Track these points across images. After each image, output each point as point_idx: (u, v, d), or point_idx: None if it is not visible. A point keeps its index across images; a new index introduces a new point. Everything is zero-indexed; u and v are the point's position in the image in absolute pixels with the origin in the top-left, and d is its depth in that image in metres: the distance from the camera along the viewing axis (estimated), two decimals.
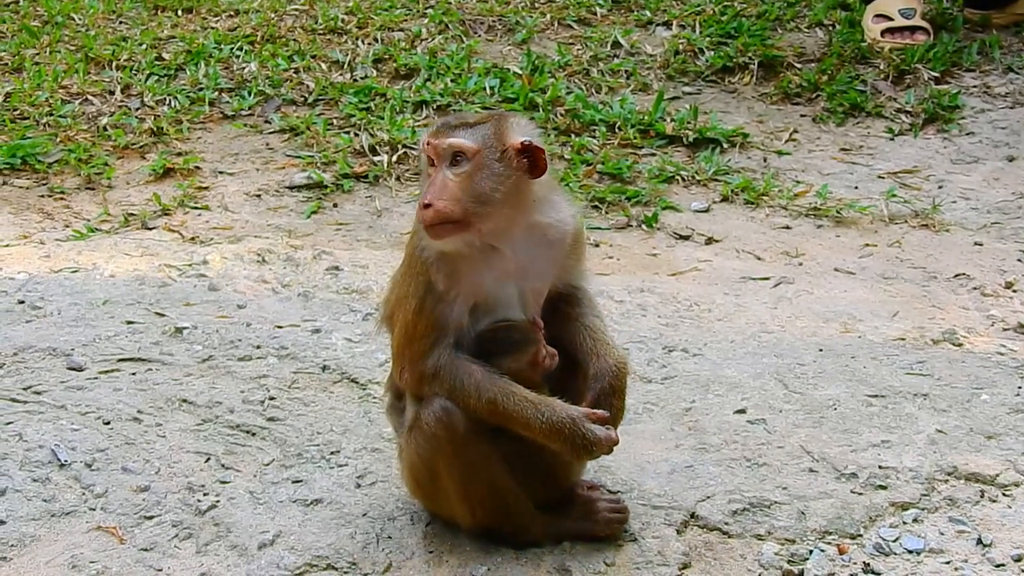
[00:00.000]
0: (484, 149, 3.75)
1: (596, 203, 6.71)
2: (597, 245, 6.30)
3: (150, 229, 6.51)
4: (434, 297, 3.77)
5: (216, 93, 7.85)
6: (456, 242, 3.75)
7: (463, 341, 3.79)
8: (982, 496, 4.32)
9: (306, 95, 7.82)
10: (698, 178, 6.99)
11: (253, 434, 4.63)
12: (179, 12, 9.06)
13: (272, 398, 4.85)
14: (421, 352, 3.78)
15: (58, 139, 7.34)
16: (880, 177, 7.12)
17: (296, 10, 8.97)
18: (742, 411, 4.79)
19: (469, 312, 3.80)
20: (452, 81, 7.87)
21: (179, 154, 7.25)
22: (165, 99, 7.80)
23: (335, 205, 6.77)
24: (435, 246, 3.76)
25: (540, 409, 3.74)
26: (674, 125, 7.43)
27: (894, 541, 4.11)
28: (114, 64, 8.20)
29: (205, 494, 4.29)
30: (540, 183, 3.83)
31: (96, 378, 4.96)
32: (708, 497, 4.27)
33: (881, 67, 8.05)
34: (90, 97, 7.82)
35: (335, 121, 7.53)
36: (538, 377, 3.86)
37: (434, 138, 3.77)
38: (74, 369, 5.01)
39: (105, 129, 7.47)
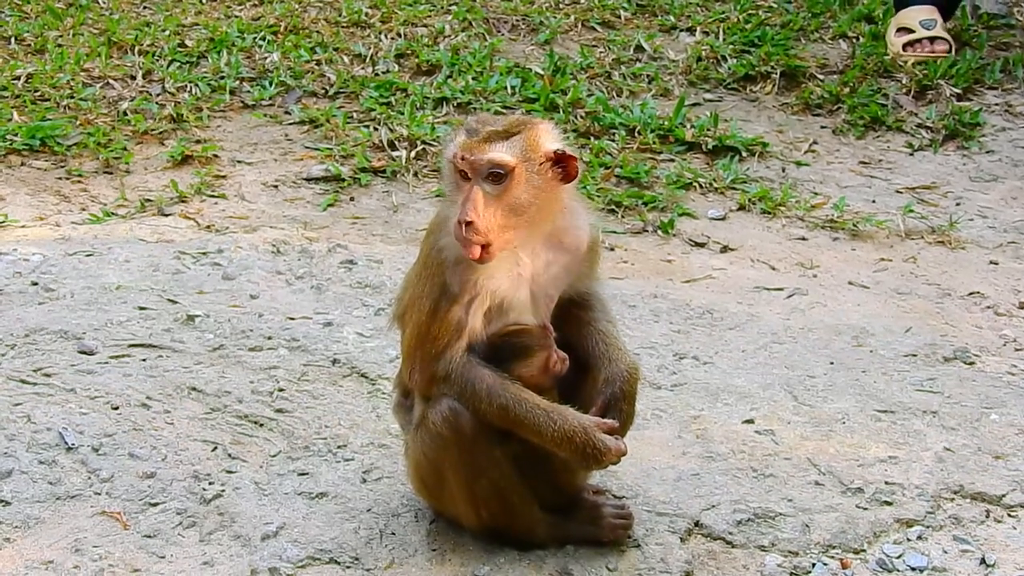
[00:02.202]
0: (523, 163, 3.71)
1: (613, 207, 6.70)
2: (612, 249, 6.30)
3: (166, 215, 6.52)
4: (449, 299, 3.76)
5: (237, 82, 7.86)
6: (496, 259, 3.73)
7: (475, 344, 3.78)
8: (987, 516, 4.32)
9: (327, 87, 7.82)
10: (716, 186, 6.98)
11: (261, 425, 4.63)
12: (203, 0, 9.07)
13: (281, 390, 4.85)
14: (433, 354, 3.77)
15: (78, 122, 7.35)
16: (898, 192, 7.11)
17: (320, 2, 8.97)
18: (750, 421, 4.79)
19: (482, 316, 3.80)
20: (473, 79, 7.86)
21: (198, 142, 7.25)
22: (186, 86, 7.81)
23: (352, 199, 6.77)
24: (477, 265, 3.73)
25: (552, 417, 3.74)
26: (694, 132, 7.42)
27: (897, 558, 4.10)
28: (136, 49, 8.21)
29: (211, 483, 4.30)
30: (566, 189, 3.82)
31: (106, 363, 4.97)
32: (713, 506, 4.27)
33: (903, 81, 8.04)
34: (111, 81, 7.83)
35: (355, 114, 7.53)
36: (548, 382, 3.86)
37: (470, 153, 3.68)
38: (85, 353, 5.02)
39: (125, 114, 7.47)
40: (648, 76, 8.10)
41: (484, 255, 3.69)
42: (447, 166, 3.78)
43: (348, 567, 3.97)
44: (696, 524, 4.20)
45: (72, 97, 7.58)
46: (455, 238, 3.71)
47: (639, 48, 8.41)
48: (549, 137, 3.78)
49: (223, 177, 6.95)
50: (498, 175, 3.68)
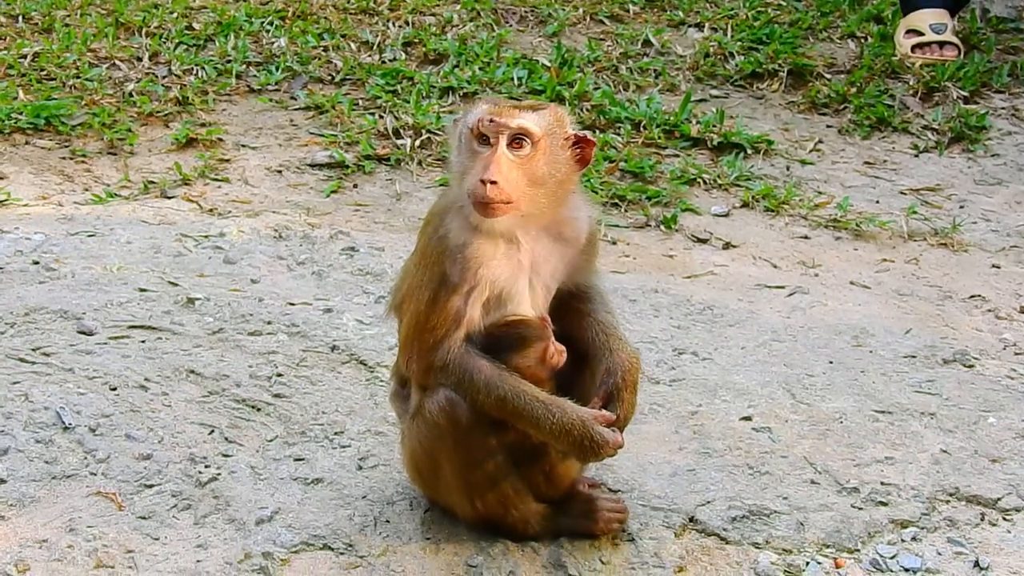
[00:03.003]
0: (548, 136, 3.76)
1: (616, 201, 6.69)
2: (614, 243, 6.29)
3: (169, 198, 6.52)
4: (448, 289, 3.76)
5: (244, 66, 7.85)
6: (504, 222, 3.74)
7: (472, 335, 3.78)
8: (982, 519, 4.31)
9: (333, 74, 7.82)
10: (720, 182, 6.97)
11: (258, 409, 4.63)
12: None
13: (279, 375, 4.85)
14: (431, 344, 3.77)
15: (83, 102, 7.34)
16: (902, 193, 7.09)
17: None
18: (748, 418, 4.78)
19: (481, 306, 3.79)
20: (480, 69, 7.86)
21: (203, 125, 7.25)
22: (192, 69, 7.80)
23: (355, 186, 6.77)
24: (483, 224, 3.74)
25: (550, 409, 3.74)
26: (699, 128, 7.41)
27: (891, 558, 4.10)
28: (144, 31, 8.20)
29: (206, 466, 4.30)
30: (576, 175, 3.85)
31: (105, 343, 4.97)
32: (708, 502, 4.27)
33: (910, 83, 8.03)
34: (118, 62, 7.82)
35: (361, 102, 7.52)
36: (545, 374, 3.85)
37: (499, 116, 3.73)
38: (84, 333, 5.02)
39: (131, 95, 7.48)
40: (655, 71, 8.09)
41: (496, 211, 3.71)
42: (464, 135, 3.79)
43: (342, 553, 3.97)
44: (691, 519, 4.19)
45: (78, 77, 7.58)
46: (472, 198, 3.72)
47: (647, 43, 8.41)
48: (568, 120, 3.86)
49: (227, 161, 6.95)
50: (522, 143, 3.72)
